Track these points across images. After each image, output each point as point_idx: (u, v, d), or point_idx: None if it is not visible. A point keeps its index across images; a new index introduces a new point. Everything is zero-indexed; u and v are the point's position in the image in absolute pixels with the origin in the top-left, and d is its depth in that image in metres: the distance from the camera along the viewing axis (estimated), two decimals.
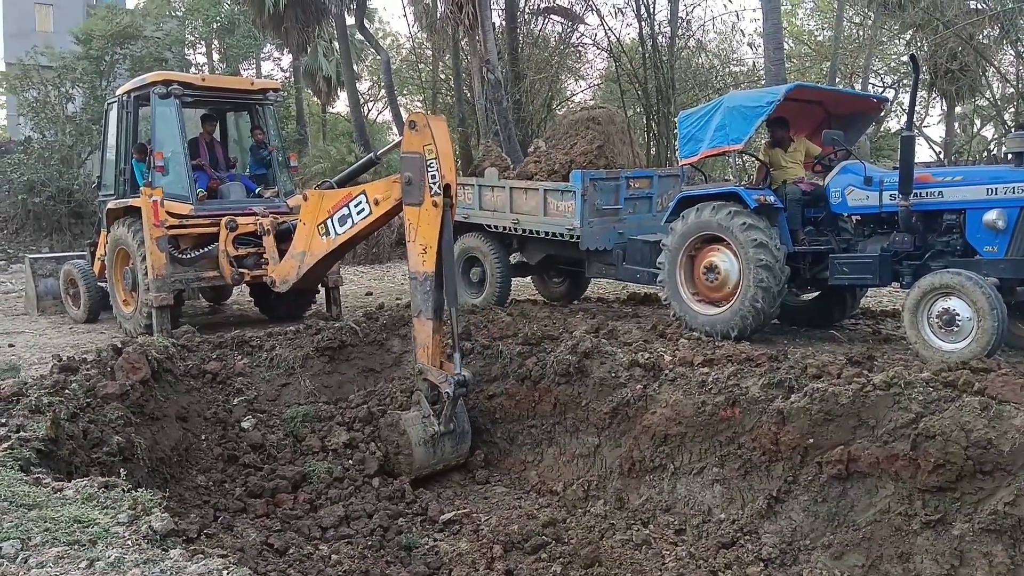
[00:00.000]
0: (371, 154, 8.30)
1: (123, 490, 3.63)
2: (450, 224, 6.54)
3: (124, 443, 5.02)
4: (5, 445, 4.18)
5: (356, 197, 7.31)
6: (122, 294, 9.79)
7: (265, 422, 6.58)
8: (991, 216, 6.22)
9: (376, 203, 7.12)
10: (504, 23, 20.22)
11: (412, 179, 6.60)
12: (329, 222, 7.52)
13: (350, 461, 6.26)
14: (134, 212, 9.23)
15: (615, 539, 5.45)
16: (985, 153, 24.99)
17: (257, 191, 10.19)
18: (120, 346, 6.26)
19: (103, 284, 10.39)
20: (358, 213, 7.27)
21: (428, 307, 6.52)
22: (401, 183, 6.69)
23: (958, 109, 29.90)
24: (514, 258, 10.27)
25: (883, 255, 6.75)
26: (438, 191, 6.46)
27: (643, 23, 20.24)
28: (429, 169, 6.46)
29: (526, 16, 22.32)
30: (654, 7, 20.56)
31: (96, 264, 10.65)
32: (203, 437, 6.21)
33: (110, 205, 9.92)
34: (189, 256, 9.21)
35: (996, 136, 26.52)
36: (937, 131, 30.89)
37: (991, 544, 4.32)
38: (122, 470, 4.52)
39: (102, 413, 5.21)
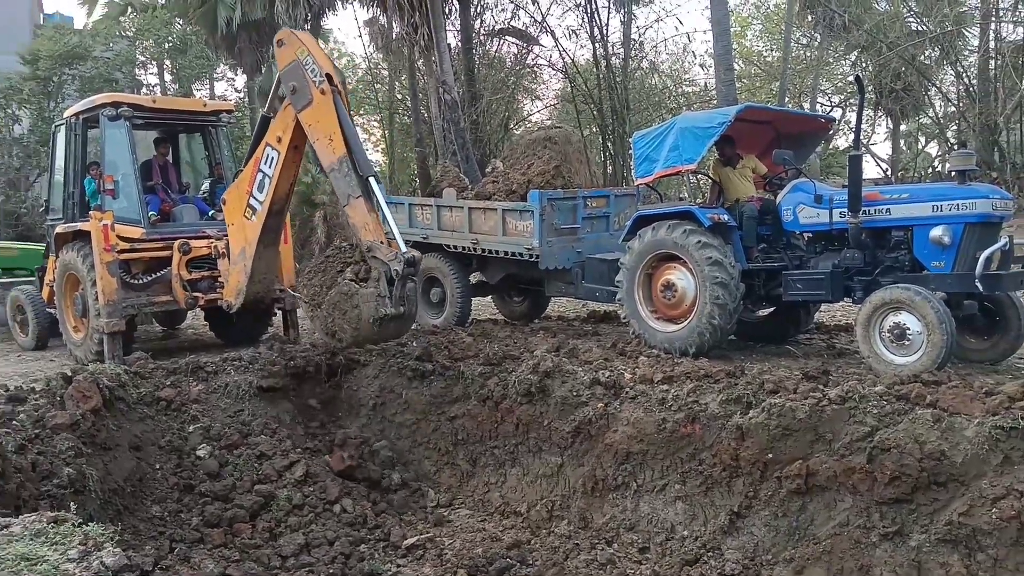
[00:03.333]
0: (262, 114, 8.36)
1: (73, 524, 3.51)
2: (343, 107, 6.89)
3: (75, 475, 4.86)
4: None
5: (263, 154, 7.55)
6: (72, 320, 9.55)
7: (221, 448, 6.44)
8: (937, 232, 6.41)
9: (279, 140, 7.38)
10: (460, 44, 20.34)
11: (296, 86, 6.99)
12: (250, 200, 7.68)
13: (310, 488, 6.15)
14: (83, 236, 9.02)
15: (580, 559, 5.43)
16: (930, 169, 25.79)
17: (211, 213, 10.05)
18: (70, 374, 6.07)
19: (52, 310, 10.14)
20: (270, 165, 7.47)
21: (354, 187, 6.78)
22: (289, 100, 7.08)
23: (903, 127, 30.88)
24: (474, 278, 10.27)
25: (835, 271, 6.90)
26: (321, 80, 6.84)
27: (597, 44, 20.56)
28: (306, 68, 6.89)
29: (481, 37, 22.49)
30: (607, 29, 20.88)
31: (45, 290, 10.39)
32: (158, 466, 6.04)
33: (59, 229, 9.70)
34: (141, 280, 9.02)
35: (940, 153, 27.42)
36: (884, 148, 31.82)
37: (948, 554, 4.40)
38: (73, 503, 4.37)
39: (52, 444, 5.04)
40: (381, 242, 6.69)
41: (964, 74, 21.40)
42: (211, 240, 9.14)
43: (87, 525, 3.58)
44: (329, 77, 6.86)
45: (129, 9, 29.65)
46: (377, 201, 6.82)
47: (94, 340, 8.91)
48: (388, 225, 6.81)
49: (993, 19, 19.88)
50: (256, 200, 7.66)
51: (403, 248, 6.67)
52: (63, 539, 3.36)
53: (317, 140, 7.01)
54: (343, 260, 7.12)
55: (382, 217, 6.84)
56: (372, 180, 6.86)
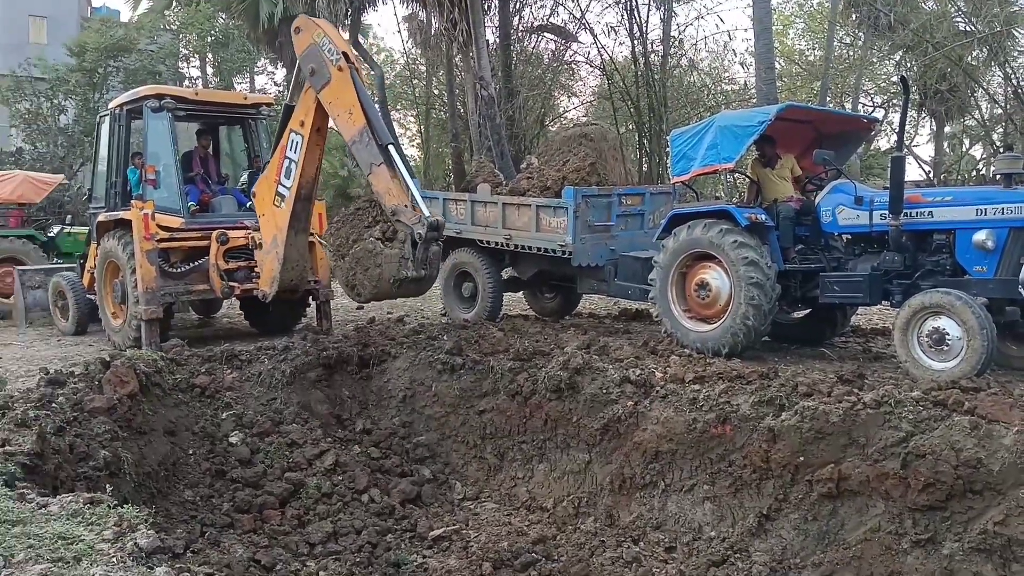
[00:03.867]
0: (270, 101, 9.01)
1: (109, 506, 3.59)
2: (360, 83, 7.17)
3: (111, 457, 4.97)
4: None
5: (288, 140, 7.83)
6: (111, 307, 9.74)
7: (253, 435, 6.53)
8: (980, 236, 6.27)
9: (302, 124, 7.67)
10: (498, 40, 20.31)
11: (315, 67, 7.29)
12: (278, 187, 7.94)
13: (339, 476, 6.22)
14: (124, 225, 9.20)
15: (605, 556, 5.42)
16: (974, 173, 25.22)
17: (249, 204, 10.17)
18: (108, 360, 6.21)
19: (92, 296, 10.34)
20: (295, 150, 7.74)
21: (375, 155, 7.00)
22: (309, 83, 7.39)
23: (947, 129, 30.21)
24: (506, 273, 10.27)
25: (873, 274, 6.78)
26: (338, 58, 7.15)
27: (636, 42, 20.35)
28: (323, 48, 7.23)
29: (520, 34, 22.42)
30: (647, 26, 20.69)
31: (85, 276, 10.60)
32: (191, 452, 6.15)
33: (100, 218, 9.89)
34: (179, 269, 9.17)
35: (985, 156, 26.77)
36: (927, 150, 31.17)
37: (981, 564, 4.32)
38: (108, 485, 4.47)
39: (89, 427, 5.16)
40: (405, 206, 6.85)
41: (1013, 75, 20.86)
42: (248, 231, 9.26)
43: (122, 507, 3.66)
44: (345, 55, 7.14)
45: (174, 3, 30.14)
46: (398, 168, 7.01)
47: (132, 327, 9.08)
48: (411, 191, 6.98)
49: None
50: (284, 187, 7.87)
51: (426, 212, 6.82)
52: (99, 520, 3.44)
53: (338, 116, 7.28)
54: (373, 216, 7.39)
55: (404, 185, 6.99)
56: (392, 148, 7.07)
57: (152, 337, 8.73)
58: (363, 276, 7.11)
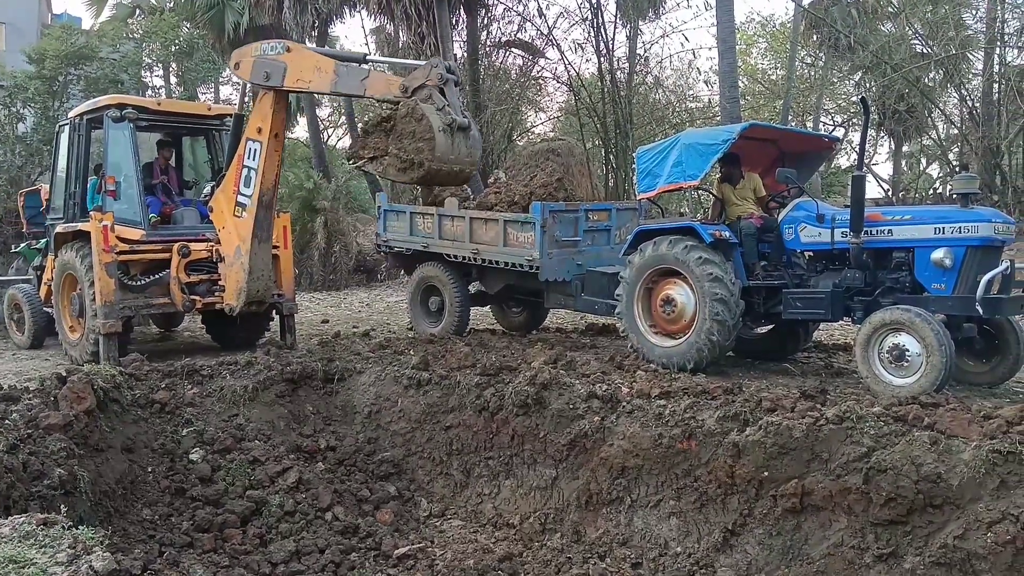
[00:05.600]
0: (234, 112, 9.08)
1: (63, 527, 3.48)
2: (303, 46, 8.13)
3: (66, 476, 4.83)
4: None
5: (245, 149, 8.07)
6: (68, 320, 9.53)
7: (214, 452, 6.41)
8: (939, 255, 6.40)
9: (259, 131, 7.96)
10: (466, 55, 20.38)
11: (269, 71, 7.79)
12: (238, 197, 8.10)
13: (302, 494, 6.12)
14: (83, 236, 9.01)
15: (571, 573, 5.39)
16: (931, 191, 25.82)
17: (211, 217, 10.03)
18: (65, 374, 6.05)
19: (49, 309, 10.11)
20: (253, 157, 7.98)
21: (359, 71, 7.55)
22: (264, 89, 7.91)
23: (905, 148, 30.93)
24: (473, 287, 10.25)
25: (835, 291, 6.88)
26: (282, 45, 7.91)
27: (602, 59, 20.56)
28: (266, 53, 7.86)
29: (487, 49, 22.53)
30: (613, 43, 20.93)
31: (42, 289, 10.36)
32: (150, 469, 6.00)
33: (59, 229, 9.68)
34: (139, 282, 9.00)
35: (941, 174, 27.44)
36: (885, 168, 31.89)
37: None
38: (63, 505, 4.35)
39: (44, 445, 5.01)
40: (409, 79, 7.33)
41: (968, 97, 21.45)
42: (211, 243, 9.13)
43: (77, 528, 3.56)
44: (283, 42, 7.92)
45: (137, 11, 29.76)
46: (379, 65, 7.87)
47: (90, 341, 8.88)
48: (400, 63, 7.95)
49: (998, 44, 19.95)
50: (244, 196, 8.01)
51: (431, 62, 7.38)
52: (52, 542, 3.34)
53: (311, 80, 7.67)
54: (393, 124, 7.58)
55: (391, 73, 7.65)
56: (366, 59, 7.81)
57: (111, 351, 8.54)
58: (414, 142, 7.01)
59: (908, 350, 6.11)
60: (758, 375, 7.41)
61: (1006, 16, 19.74)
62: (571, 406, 6.19)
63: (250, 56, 7.95)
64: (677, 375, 6.79)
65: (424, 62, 7.45)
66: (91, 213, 8.94)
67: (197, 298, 9.06)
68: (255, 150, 7.87)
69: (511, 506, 6.37)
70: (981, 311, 6.14)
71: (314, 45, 21.64)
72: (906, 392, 5.90)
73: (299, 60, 7.72)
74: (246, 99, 8.51)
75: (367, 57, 7.90)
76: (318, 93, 8.11)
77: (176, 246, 9.00)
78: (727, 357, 7.63)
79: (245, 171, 7.92)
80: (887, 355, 6.24)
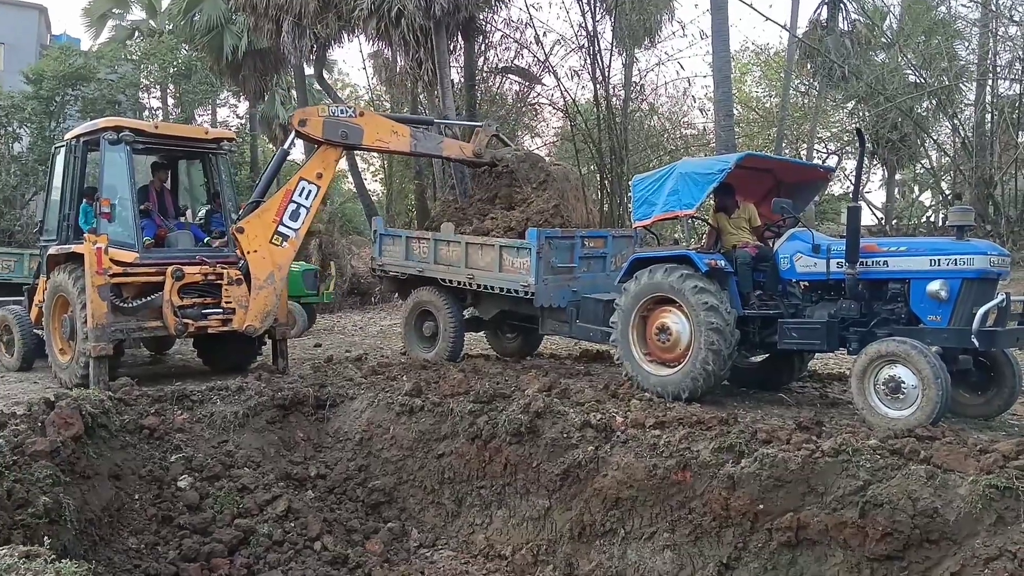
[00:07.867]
0: (279, 150, 10.12)
1: (46, 560, 3.41)
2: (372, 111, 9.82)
3: (51, 504, 4.75)
4: None
5: (296, 186, 8.87)
6: (59, 342, 9.43)
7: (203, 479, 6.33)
8: (934, 286, 6.38)
9: (319, 176, 8.91)
10: (463, 80, 20.47)
11: (345, 131, 8.94)
12: (280, 228, 8.75)
13: (291, 523, 6.04)
14: (76, 258, 8.94)
15: None
16: (924, 219, 25.93)
17: (207, 240, 9.99)
18: (53, 400, 5.98)
19: (39, 331, 10.01)
20: (306, 197, 8.82)
21: (436, 137, 10.00)
22: (330, 148, 9.06)
23: (898, 176, 31.13)
24: (468, 313, 10.22)
25: (830, 321, 6.86)
26: (353, 108, 9.37)
27: (598, 85, 20.71)
28: (338, 116, 9.01)
29: (484, 75, 22.66)
30: (609, 71, 21.09)
31: (33, 310, 10.27)
32: (137, 497, 5.92)
33: (51, 250, 9.60)
34: (132, 305, 8.92)
35: (934, 203, 27.59)
36: (878, 196, 31.99)
37: None
38: (46, 535, 4.27)
39: (29, 472, 4.94)
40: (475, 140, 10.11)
41: (960, 127, 21.63)
42: (204, 267, 9.08)
43: (60, 561, 3.48)
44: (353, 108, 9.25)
45: (136, 33, 29.89)
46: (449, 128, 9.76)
47: (80, 363, 8.78)
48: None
49: (990, 75, 20.16)
50: (289, 228, 8.76)
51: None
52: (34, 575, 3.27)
53: (389, 142, 9.20)
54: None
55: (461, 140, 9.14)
56: (432, 122, 10.06)
57: (101, 375, 8.44)
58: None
59: (904, 382, 6.08)
60: (753, 405, 7.37)
61: (998, 48, 19.95)
62: (565, 435, 6.14)
63: (317, 116, 8.88)
64: (672, 404, 6.74)
65: (480, 123, 10.06)
66: (85, 235, 8.88)
67: (190, 321, 8.98)
68: (311, 191, 8.78)
69: (503, 537, 6.29)
70: (977, 343, 6.12)
71: (324, 78, 21.86)
72: (902, 424, 5.86)
73: (374, 123, 9.18)
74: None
75: (434, 121, 9.53)
76: (397, 153, 11.14)
77: (170, 269, 8.94)
78: (722, 386, 7.59)
79: (294, 206, 8.72)
80: (883, 387, 6.21)
